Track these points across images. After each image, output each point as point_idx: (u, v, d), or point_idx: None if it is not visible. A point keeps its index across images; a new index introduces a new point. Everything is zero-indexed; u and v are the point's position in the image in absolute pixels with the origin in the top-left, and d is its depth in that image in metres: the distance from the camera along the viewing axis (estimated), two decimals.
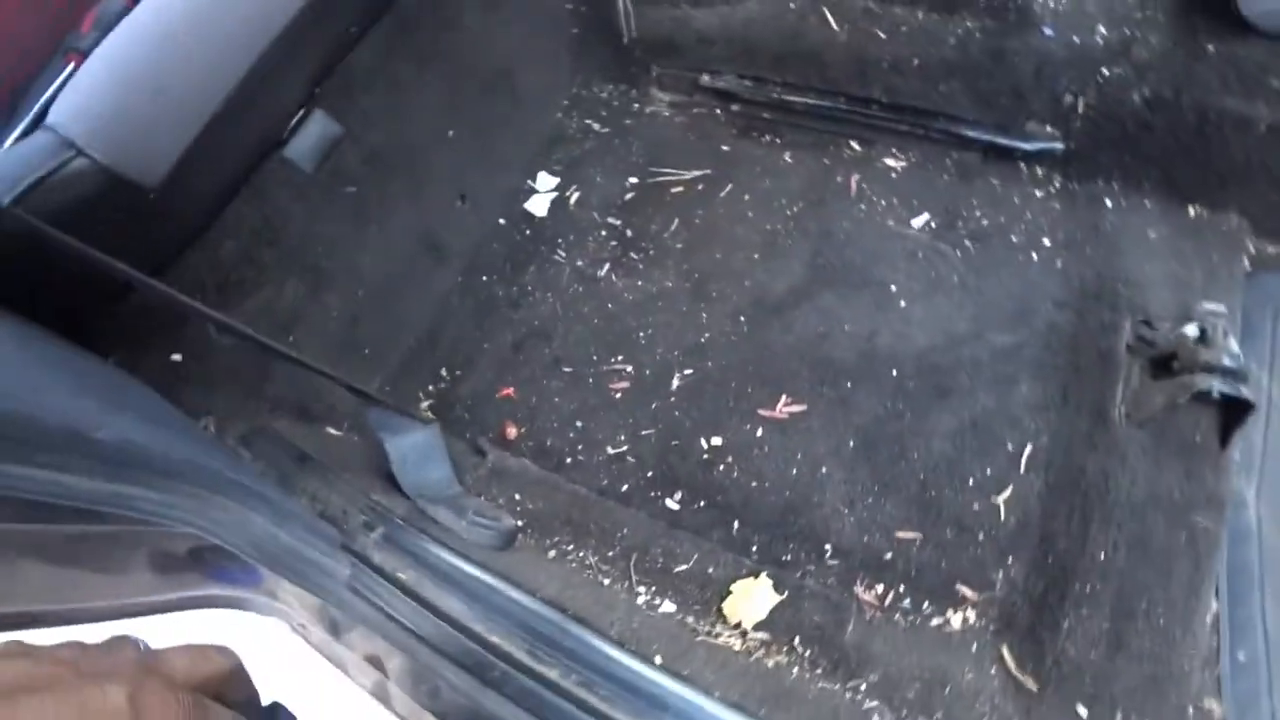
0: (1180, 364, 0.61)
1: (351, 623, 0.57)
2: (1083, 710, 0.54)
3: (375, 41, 0.74)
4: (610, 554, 0.65)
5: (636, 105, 0.94)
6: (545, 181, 0.91)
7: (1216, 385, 0.58)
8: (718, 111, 0.90)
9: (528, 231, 0.88)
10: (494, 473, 0.71)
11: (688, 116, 0.92)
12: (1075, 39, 0.71)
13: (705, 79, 0.89)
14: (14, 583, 0.47)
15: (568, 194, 0.90)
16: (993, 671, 0.58)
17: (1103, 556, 0.58)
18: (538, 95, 0.92)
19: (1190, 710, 0.53)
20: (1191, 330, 0.62)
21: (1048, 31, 0.72)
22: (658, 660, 0.54)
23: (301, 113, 0.70)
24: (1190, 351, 0.61)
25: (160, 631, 0.63)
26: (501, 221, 0.88)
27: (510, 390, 0.79)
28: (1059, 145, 0.76)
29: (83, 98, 0.54)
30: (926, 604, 0.62)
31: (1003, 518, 0.64)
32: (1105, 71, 0.71)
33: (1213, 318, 0.63)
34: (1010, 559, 0.62)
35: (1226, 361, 0.59)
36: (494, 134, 0.87)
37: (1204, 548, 0.58)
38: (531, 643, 0.51)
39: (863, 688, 0.57)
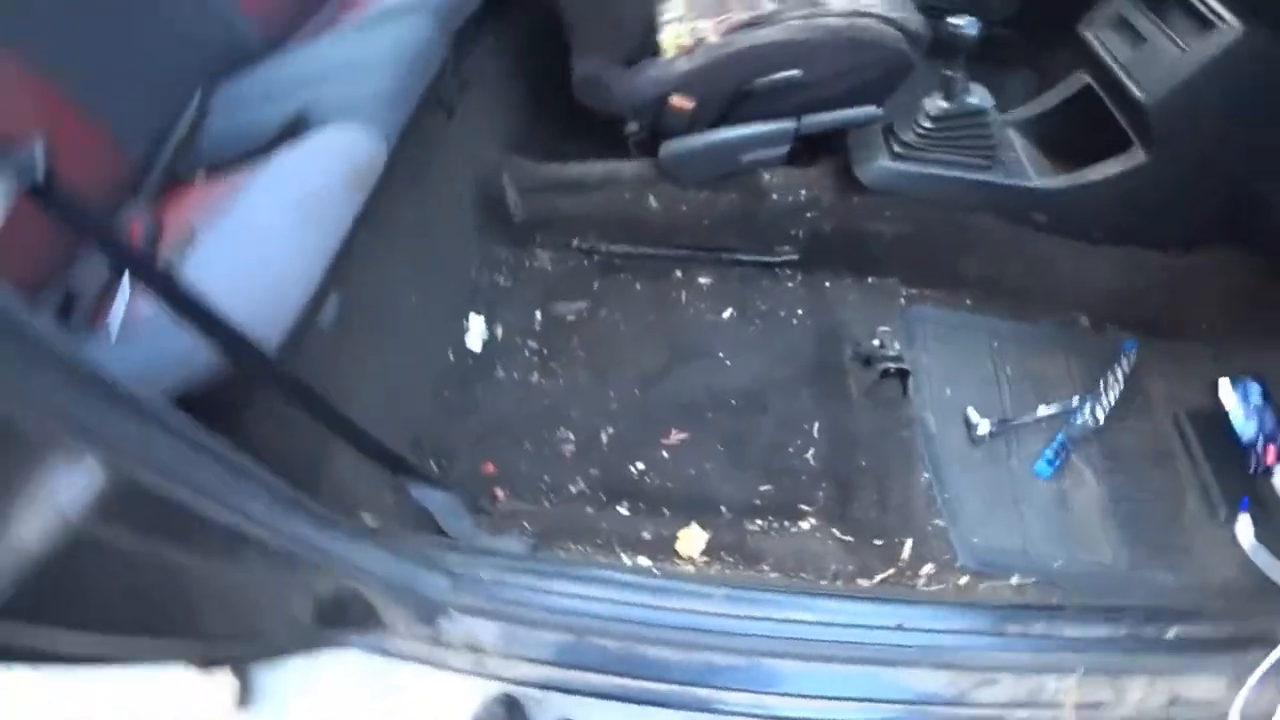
0: (876, 360, 1.20)
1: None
2: (877, 541, 1.06)
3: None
4: (599, 543, 1.07)
5: (527, 262, 1.45)
6: (475, 321, 1.35)
7: (893, 366, 1.18)
8: (585, 261, 1.44)
9: (469, 361, 1.31)
10: (500, 518, 1.10)
11: (565, 266, 1.45)
12: (789, 199, 1.35)
13: (575, 241, 1.42)
14: None
15: (493, 328, 1.35)
16: (829, 543, 1.08)
17: (863, 464, 1.13)
18: (459, 259, 1.38)
19: (929, 527, 1.07)
20: (878, 342, 1.22)
21: (774, 197, 1.34)
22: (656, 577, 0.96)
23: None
24: (879, 352, 1.21)
25: None
26: (451, 356, 1.30)
27: (490, 465, 1.19)
28: (794, 256, 1.40)
29: None
30: (787, 521, 1.13)
31: (812, 464, 1.18)
32: (807, 215, 1.35)
33: (887, 334, 1.24)
34: (822, 483, 1.16)
35: (894, 353, 1.19)
36: (433, 291, 1.30)
37: (910, 447, 1.15)
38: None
39: (765, 568, 1.04)
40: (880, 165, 1.28)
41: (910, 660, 0.90)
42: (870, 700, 0.90)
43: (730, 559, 1.08)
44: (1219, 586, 1.09)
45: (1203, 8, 1.09)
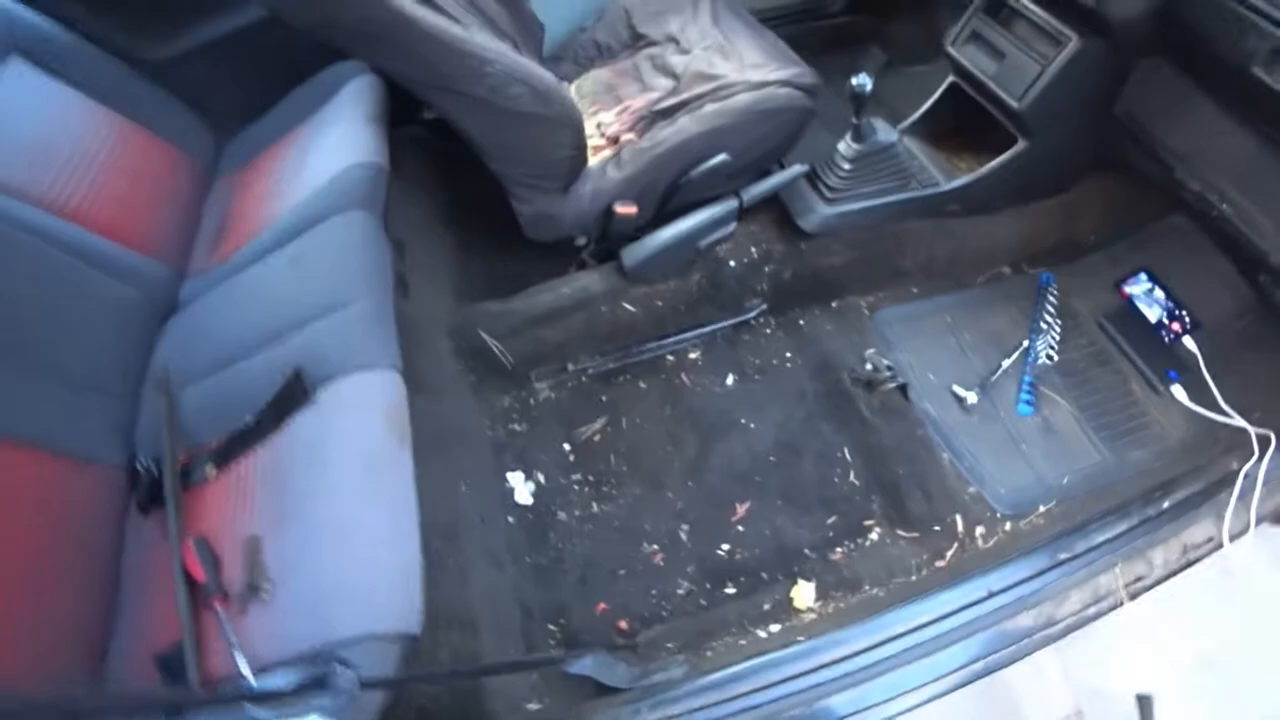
0: (875, 384, 1.43)
1: None
2: (936, 527, 1.31)
3: None
4: (734, 631, 1.26)
5: (531, 400, 1.56)
6: (515, 477, 1.46)
7: (890, 383, 1.41)
8: (583, 379, 1.57)
9: (529, 516, 1.42)
10: (645, 648, 1.25)
11: (568, 391, 1.58)
12: (745, 260, 1.54)
13: (570, 366, 1.54)
14: None
15: (534, 476, 1.46)
16: (900, 544, 1.33)
17: (898, 470, 1.38)
18: (474, 429, 1.47)
19: (966, 496, 1.33)
20: (870, 365, 1.45)
21: (732, 264, 1.52)
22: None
23: None
24: (875, 371, 1.44)
25: None
26: (511, 519, 1.40)
27: (602, 604, 1.33)
28: (764, 305, 1.59)
29: None
30: (859, 539, 1.38)
31: (857, 484, 1.42)
32: (765, 269, 1.55)
33: (873, 355, 1.47)
34: (872, 496, 1.41)
35: (887, 372, 1.42)
36: (473, 475, 1.39)
37: (927, 439, 1.41)
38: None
39: (867, 588, 1.28)
40: (818, 213, 1.50)
41: (1009, 614, 1.19)
42: (988, 656, 1.16)
43: (838, 594, 1.31)
44: (1180, 443, 1.46)
45: (1048, 27, 1.40)
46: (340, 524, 1.01)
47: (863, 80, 1.35)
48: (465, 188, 1.78)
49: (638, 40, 1.76)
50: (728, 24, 1.67)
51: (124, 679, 1.02)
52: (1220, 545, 1.26)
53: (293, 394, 1.16)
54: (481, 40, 1.27)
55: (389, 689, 0.91)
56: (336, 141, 1.52)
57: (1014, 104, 1.42)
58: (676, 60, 1.63)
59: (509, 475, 1.47)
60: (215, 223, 1.58)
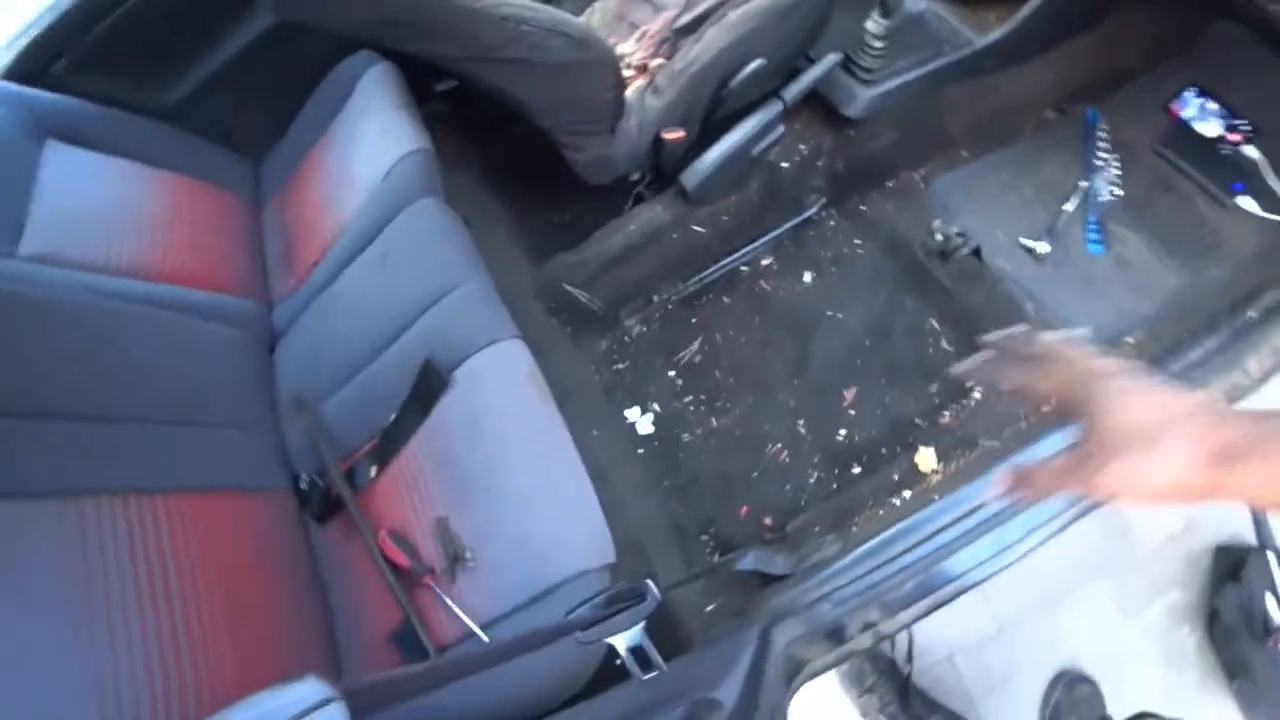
0: (949, 252, 1.48)
1: None
2: (989, 442, 1.39)
3: None
4: (871, 504, 1.36)
5: (626, 338, 1.63)
6: (632, 412, 1.54)
7: (963, 249, 1.46)
8: (669, 307, 1.63)
9: (656, 444, 1.51)
10: (795, 536, 1.36)
11: (657, 321, 1.63)
12: (797, 159, 1.57)
13: (655, 298, 1.60)
14: None
15: (650, 408, 1.54)
16: (1003, 399, 1.40)
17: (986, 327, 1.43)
18: (584, 377, 1.55)
19: None
20: (939, 236, 1.50)
21: (785, 166, 1.55)
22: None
23: None
24: (946, 241, 1.49)
25: None
26: (641, 451, 1.50)
27: (744, 509, 1.43)
28: (824, 199, 1.63)
29: None
30: (963, 400, 1.47)
31: (950, 349, 1.52)
32: (818, 164, 1.58)
33: (940, 224, 1.52)
34: (967, 355, 1.45)
35: (957, 239, 1.47)
36: (592, 416, 1.47)
37: (1008, 295, 1.49)
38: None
39: (982, 443, 1.36)
40: (860, 97, 1.52)
41: None
42: None
43: (957, 453, 1.41)
44: (1255, 253, 1.51)
45: None
46: (521, 486, 1.10)
47: None
48: (501, 153, 1.81)
49: None
50: None
51: (364, 664, 1.15)
52: None
53: (429, 384, 1.24)
54: (509, 1, 1.28)
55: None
56: (376, 136, 1.53)
57: None
58: None
59: (626, 412, 1.56)
60: (279, 247, 1.62)
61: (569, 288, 1.56)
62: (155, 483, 1.07)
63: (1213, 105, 1.61)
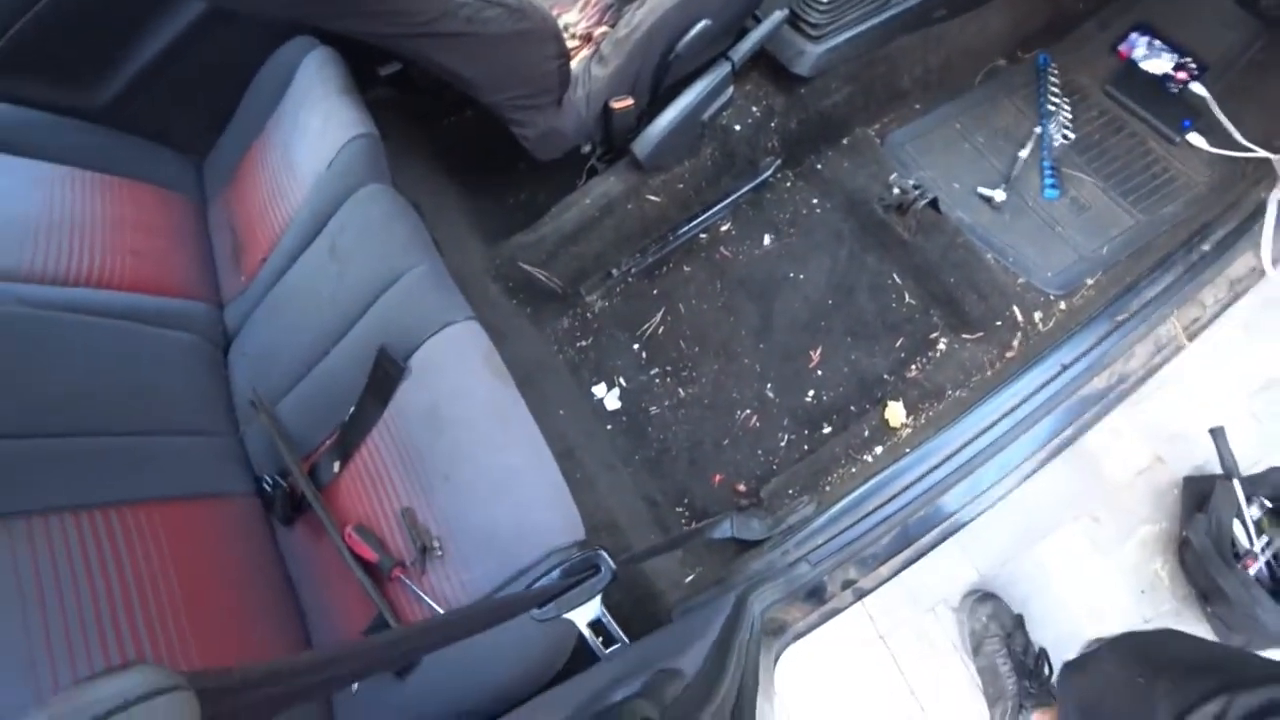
0: (906, 205, 1.46)
1: None
2: (997, 322, 1.39)
3: None
4: (843, 462, 1.35)
5: (587, 314, 1.60)
6: (599, 389, 1.52)
7: (922, 202, 1.44)
8: (630, 280, 1.59)
9: (624, 419, 1.48)
10: (770, 500, 1.34)
11: (618, 295, 1.60)
12: (749, 122, 1.54)
13: (614, 271, 1.56)
14: None
15: (615, 381, 1.51)
16: (969, 346, 1.40)
17: (950, 280, 1.44)
18: (546, 358, 1.51)
19: (1017, 287, 1.39)
20: (896, 190, 1.47)
21: (738, 128, 1.52)
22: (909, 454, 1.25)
23: None
24: (903, 195, 1.46)
25: None
26: (609, 427, 1.47)
27: (717, 476, 1.41)
28: (779, 160, 1.60)
29: None
30: (930, 352, 1.47)
31: (914, 303, 1.49)
32: (771, 125, 1.55)
33: (897, 179, 1.49)
34: (930, 310, 1.48)
35: (914, 192, 1.45)
36: (557, 396, 1.44)
37: (968, 245, 1.47)
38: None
39: (950, 393, 1.36)
40: (808, 54, 1.48)
41: (1085, 379, 1.26)
42: (1072, 423, 1.24)
43: (925, 405, 1.39)
44: (1207, 187, 1.51)
45: None
46: (485, 470, 1.07)
47: None
48: (450, 136, 1.75)
49: None
50: None
51: None
52: (1263, 273, 1.32)
53: (385, 373, 1.20)
54: None
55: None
56: (319, 124, 1.48)
57: None
58: None
59: (593, 389, 1.53)
60: (227, 244, 1.56)
61: (527, 267, 1.51)
62: (104, 496, 1.02)
63: (1158, 43, 1.59)
